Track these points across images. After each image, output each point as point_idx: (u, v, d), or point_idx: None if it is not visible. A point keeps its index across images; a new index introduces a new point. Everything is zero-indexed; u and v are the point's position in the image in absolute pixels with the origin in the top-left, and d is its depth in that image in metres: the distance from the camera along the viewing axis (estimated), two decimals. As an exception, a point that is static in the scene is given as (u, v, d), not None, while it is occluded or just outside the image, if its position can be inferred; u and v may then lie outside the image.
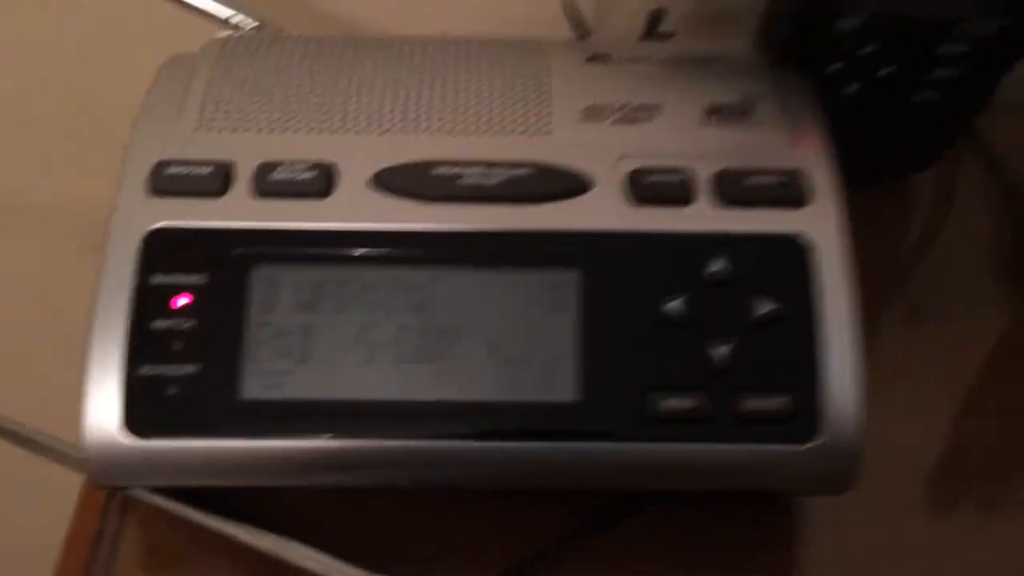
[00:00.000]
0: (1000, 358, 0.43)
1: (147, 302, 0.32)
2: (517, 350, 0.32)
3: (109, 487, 0.36)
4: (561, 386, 0.32)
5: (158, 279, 0.33)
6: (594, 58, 0.40)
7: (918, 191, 0.48)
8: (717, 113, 0.37)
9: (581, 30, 0.45)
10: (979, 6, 0.39)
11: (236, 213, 0.34)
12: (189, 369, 0.32)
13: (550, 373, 0.32)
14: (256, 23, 0.45)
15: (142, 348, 0.32)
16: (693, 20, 0.54)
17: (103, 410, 0.32)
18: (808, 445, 0.32)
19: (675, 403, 0.32)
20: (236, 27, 0.45)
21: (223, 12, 0.45)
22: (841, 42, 0.40)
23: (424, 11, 0.57)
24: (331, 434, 0.32)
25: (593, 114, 0.37)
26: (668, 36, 0.47)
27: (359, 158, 0.35)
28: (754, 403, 0.32)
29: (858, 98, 0.43)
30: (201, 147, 0.35)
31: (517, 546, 0.35)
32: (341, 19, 0.57)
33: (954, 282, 0.45)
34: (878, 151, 0.46)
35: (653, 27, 0.48)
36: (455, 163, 0.35)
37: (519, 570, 0.35)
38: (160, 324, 0.32)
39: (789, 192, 0.34)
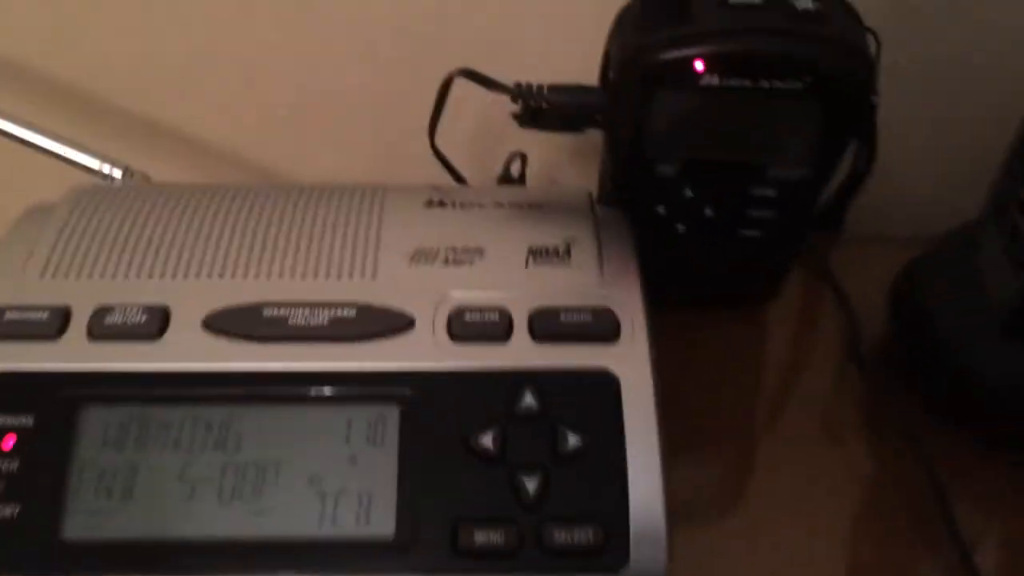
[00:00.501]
0: (842, 480, 0.45)
1: (-25, 446, 0.33)
2: (337, 486, 0.34)
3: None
4: (378, 521, 0.33)
5: (-13, 423, 0.34)
6: (431, 203, 0.42)
7: (775, 318, 0.51)
8: (538, 255, 0.39)
9: (455, 175, 0.48)
10: (780, 157, 0.42)
11: (69, 356, 0.35)
12: (12, 510, 0.33)
13: (368, 508, 0.34)
14: (122, 172, 0.47)
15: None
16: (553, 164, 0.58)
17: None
18: (618, 572, 0.33)
19: (486, 537, 0.33)
20: (105, 176, 0.47)
21: (92, 163, 0.47)
22: (665, 187, 0.44)
23: (313, 159, 0.60)
24: (152, 574, 0.33)
25: (421, 257, 0.39)
26: (521, 180, 0.51)
27: (192, 301, 0.37)
28: (563, 535, 0.33)
29: (689, 236, 0.46)
30: (42, 293, 0.37)
31: None
32: (209, 168, 0.60)
33: (801, 403, 0.47)
34: (720, 282, 0.49)
35: (510, 172, 0.51)
36: (283, 305, 0.37)
37: None
38: (-13, 467, 0.33)
39: (599, 329, 0.37)
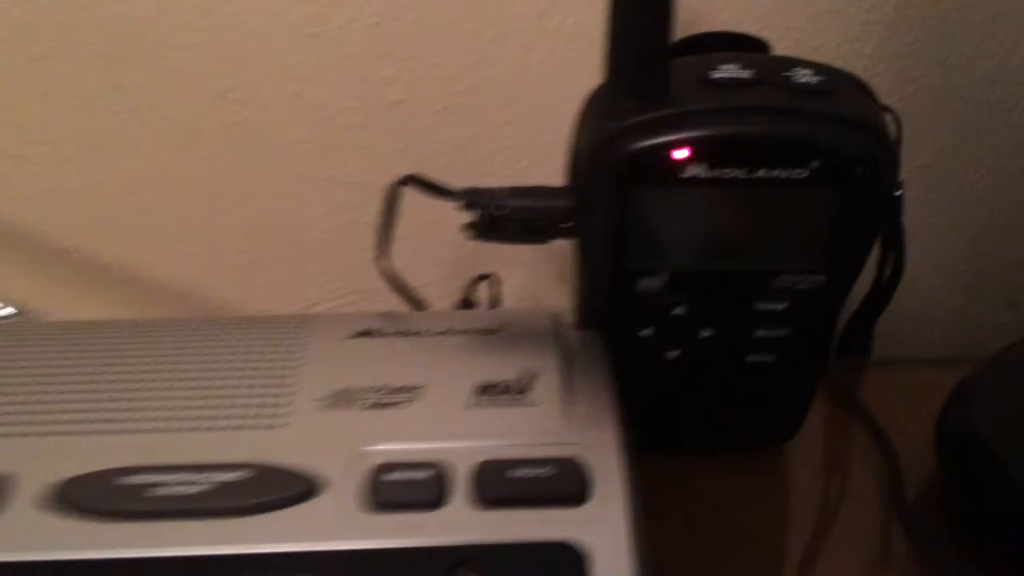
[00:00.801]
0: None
1: None
2: None
3: None
4: None
5: None
6: (359, 333, 0.34)
7: (796, 462, 0.42)
8: (486, 394, 0.31)
9: (412, 301, 0.40)
10: (788, 263, 0.34)
11: None
12: None
13: None
14: (14, 311, 0.40)
15: None
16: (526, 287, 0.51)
17: None
18: None
19: None
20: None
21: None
22: (650, 304, 0.36)
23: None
24: None
25: (341, 400, 0.31)
26: (496, 303, 0.43)
27: (39, 469, 0.29)
28: None
29: (683, 364, 0.38)
30: None
31: None
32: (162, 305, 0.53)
33: (834, 565, 0.38)
34: (725, 420, 0.40)
35: (471, 300, 0.43)
36: (155, 469, 0.28)
37: None
38: None
39: (561, 488, 0.28)
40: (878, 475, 0.40)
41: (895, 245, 0.41)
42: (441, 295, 0.45)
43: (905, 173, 0.36)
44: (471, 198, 0.36)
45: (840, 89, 0.33)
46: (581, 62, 0.43)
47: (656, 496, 0.30)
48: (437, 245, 0.50)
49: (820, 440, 0.42)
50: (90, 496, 0.28)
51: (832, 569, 0.37)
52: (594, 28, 0.33)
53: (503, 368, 0.32)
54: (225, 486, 0.28)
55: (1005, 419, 0.36)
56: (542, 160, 0.47)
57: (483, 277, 0.44)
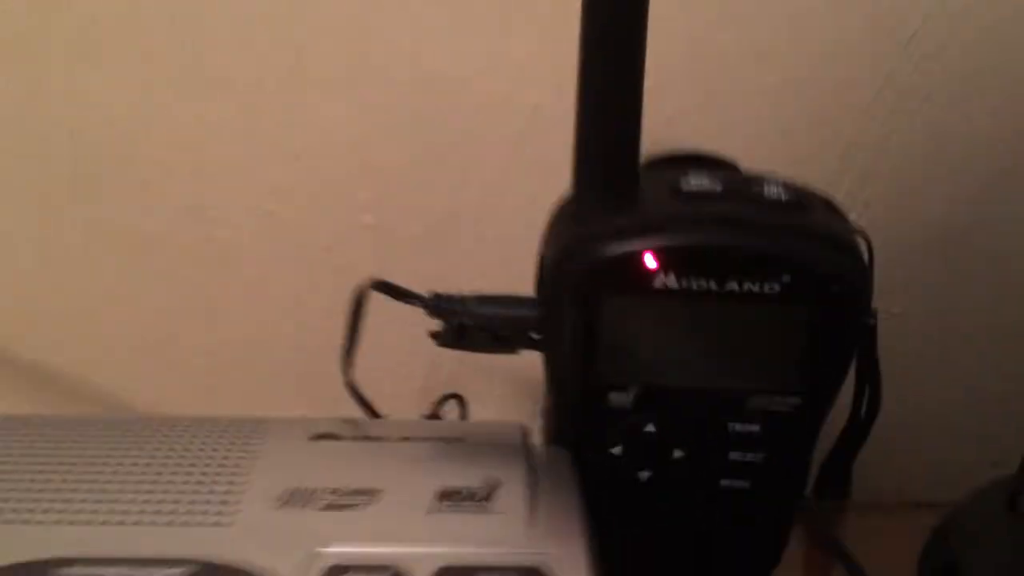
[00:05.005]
0: None
1: None
2: None
3: None
4: None
5: None
6: (319, 436, 0.35)
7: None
8: (448, 499, 0.31)
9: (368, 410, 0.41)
10: (761, 382, 0.35)
11: None
12: None
13: None
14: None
15: None
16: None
17: None
18: None
19: None
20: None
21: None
22: (620, 421, 0.36)
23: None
24: None
25: (296, 499, 0.31)
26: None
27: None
28: None
29: (655, 486, 0.38)
30: None
31: None
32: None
33: None
34: (698, 547, 0.40)
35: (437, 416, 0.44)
36: (93, 561, 0.28)
37: None
38: None
39: (525, 595, 0.28)
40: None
41: (870, 378, 0.42)
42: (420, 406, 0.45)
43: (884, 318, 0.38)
44: (437, 304, 0.37)
45: (812, 206, 0.35)
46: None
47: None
48: (411, 357, 0.51)
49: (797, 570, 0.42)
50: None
51: None
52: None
53: (467, 475, 0.33)
54: (169, 584, 0.28)
55: (987, 553, 0.36)
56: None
57: (451, 396, 0.44)
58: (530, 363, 0.38)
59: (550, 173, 0.37)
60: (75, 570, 0.28)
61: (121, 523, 0.30)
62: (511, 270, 0.41)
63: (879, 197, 0.49)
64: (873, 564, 0.43)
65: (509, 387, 0.53)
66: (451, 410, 0.44)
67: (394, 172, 0.49)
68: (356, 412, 0.40)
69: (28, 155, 0.47)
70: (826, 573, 0.43)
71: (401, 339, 0.46)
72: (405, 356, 0.51)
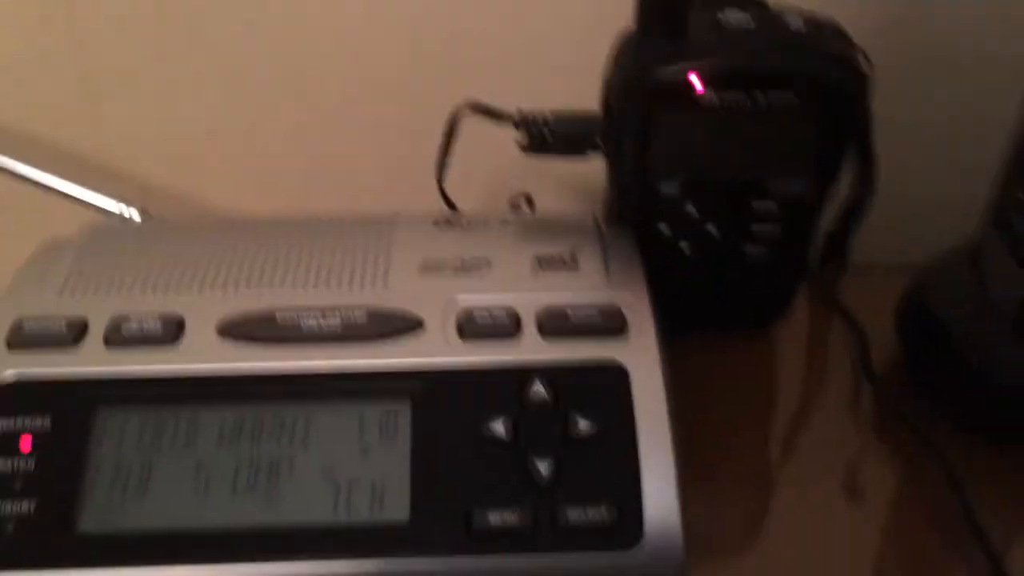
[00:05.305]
0: (860, 487, 0.46)
1: (-8, 447, 0.36)
2: (350, 476, 0.36)
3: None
4: (392, 507, 0.35)
5: (3, 427, 0.36)
6: (439, 223, 0.45)
7: (784, 339, 0.54)
8: (544, 263, 0.42)
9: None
10: (780, 170, 0.45)
11: (86, 362, 0.38)
12: (28, 507, 0.35)
13: (382, 495, 0.36)
14: (139, 213, 0.50)
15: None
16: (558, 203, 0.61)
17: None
18: (632, 550, 0.35)
19: (500, 518, 0.35)
20: (124, 219, 0.50)
21: (110, 205, 0.50)
22: (667, 205, 0.47)
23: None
24: (166, 563, 0.34)
25: (430, 267, 0.42)
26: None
27: (207, 311, 0.39)
28: (577, 514, 0.35)
29: (694, 255, 0.49)
30: (60, 308, 0.40)
31: None
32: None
33: (811, 419, 0.49)
34: (727, 302, 0.51)
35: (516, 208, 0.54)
36: (296, 310, 0.39)
37: None
38: (4, 466, 0.35)
39: (606, 324, 0.39)
40: (851, 352, 0.52)
41: (867, 165, 0.52)
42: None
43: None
44: (524, 119, 0.46)
45: (824, 34, 0.44)
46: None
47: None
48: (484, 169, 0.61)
49: (803, 326, 0.54)
50: (251, 328, 0.39)
51: (811, 420, 0.49)
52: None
53: (556, 246, 0.43)
54: (350, 322, 0.39)
55: (950, 298, 0.48)
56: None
57: (521, 195, 0.55)
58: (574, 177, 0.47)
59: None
60: (287, 316, 0.39)
61: (313, 286, 0.41)
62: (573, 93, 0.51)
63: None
64: (867, 318, 0.54)
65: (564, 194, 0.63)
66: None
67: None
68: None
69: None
70: (828, 325, 0.55)
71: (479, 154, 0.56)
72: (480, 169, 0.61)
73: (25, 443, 0.36)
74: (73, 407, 0.37)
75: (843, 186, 0.50)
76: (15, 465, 0.36)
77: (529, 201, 0.54)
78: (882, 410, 0.48)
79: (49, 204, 0.51)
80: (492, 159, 0.53)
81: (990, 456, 0.45)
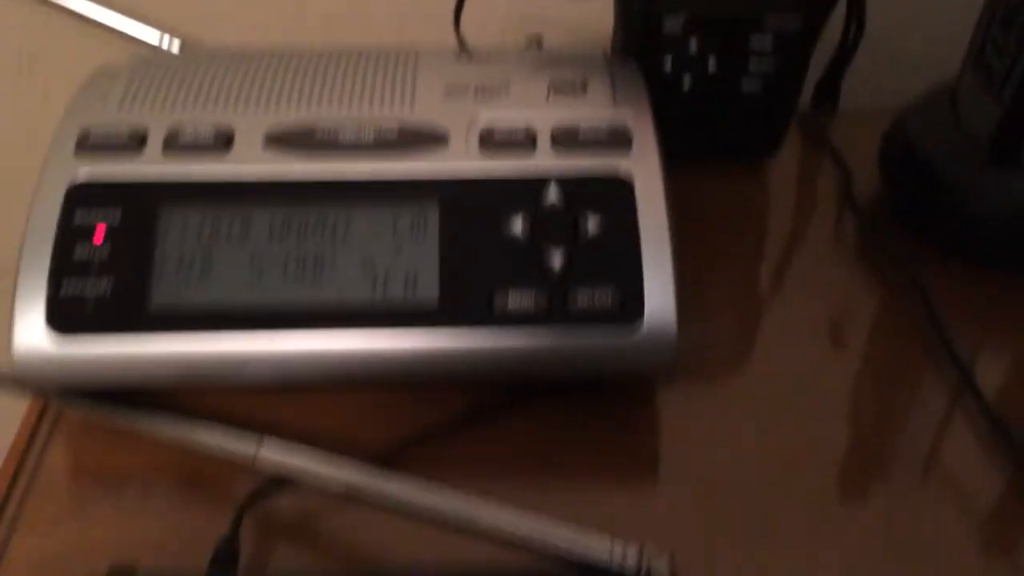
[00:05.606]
0: (840, 308, 0.51)
1: (70, 237, 0.41)
2: (386, 266, 0.41)
3: (39, 392, 0.43)
4: (423, 291, 0.41)
5: (79, 219, 0.41)
6: (460, 55, 0.50)
7: (776, 174, 0.58)
8: (558, 89, 0.47)
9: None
10: (777, 5, 0.49)
11: (148, 166, 0.43)
12: (107, 284, 0.40)
13: (415, 281, 0.41)
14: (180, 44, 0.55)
15: (65, 269, 0.40)
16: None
17: (30, 319, 0.39)
18: (634, 325, 0.40)
19: (518, 301, 0.40)
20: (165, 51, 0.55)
21: (152, 37, 0.55)
22: (671, 41, 0.51)
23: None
24: (224, 330, 0.40)
25: (452, 91, 0.46)
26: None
27: (254, 123, 0.44)
28: (585, 298, 0.40)
29: (694, 89, 0.53)
30: (121, 119, 0.44)
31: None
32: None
33: (799, 246, 0.54)
34: (724, 132, 0.56)
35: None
36: (333, 122, 0.44)
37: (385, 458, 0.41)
38: (81, 253, 0.41)
39: (613, 139, 0.44)
40: (838, 185, 0.56)
41: (857, 8, 0.56)
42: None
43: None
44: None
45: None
46: None
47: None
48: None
49: (794, 166, 0.58)
50: (294, 139, 0.44)
51: (799, 247, 0.54)
52: None
53: (569, 74, 0.48)
54: (383, 135, 0.44)
55: (928, 132, 0.52)
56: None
57: (535, 37, 0.59)
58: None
59: None
60: (326, 128, 0.44)
61: (348, 104, 0.45)
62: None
63: None
64: (854, 159, 0.58)
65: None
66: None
67: None
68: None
69: None
70: (818, 165, 0.59)
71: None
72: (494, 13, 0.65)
73: (99, 234, 0.41)
74: (139, 205, 0.42)
75: (835, 33, 0.54)
76: (92, 253, 0.41)
77: (539, 44, 0.58)
78: (864, 239, 0.53)
79: (88, 42, 0.54)
80: (504, 4, 0.57)
81: (965, 280, 0.50)
